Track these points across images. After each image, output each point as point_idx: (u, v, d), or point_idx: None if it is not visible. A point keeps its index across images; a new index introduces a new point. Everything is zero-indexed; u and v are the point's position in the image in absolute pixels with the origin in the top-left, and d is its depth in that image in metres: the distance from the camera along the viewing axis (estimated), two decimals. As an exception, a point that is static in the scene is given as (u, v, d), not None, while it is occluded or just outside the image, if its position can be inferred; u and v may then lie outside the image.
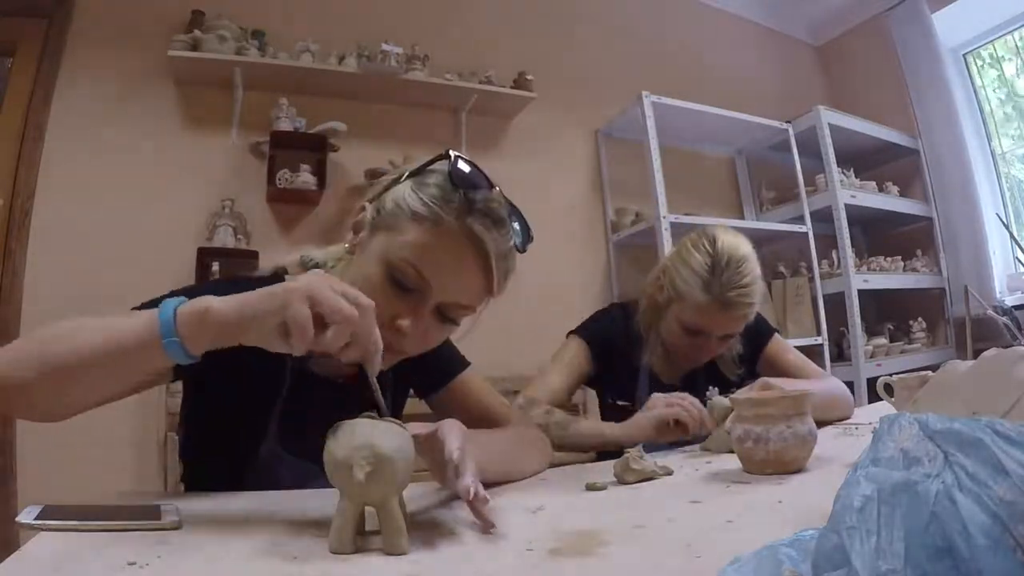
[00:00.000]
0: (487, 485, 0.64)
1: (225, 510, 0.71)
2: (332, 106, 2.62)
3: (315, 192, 2.51)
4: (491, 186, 0.76)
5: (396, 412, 1.00)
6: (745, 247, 1.25)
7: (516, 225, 0.78)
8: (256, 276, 0.92)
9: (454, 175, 0.74)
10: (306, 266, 0.91)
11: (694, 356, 1.29)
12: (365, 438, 0.55)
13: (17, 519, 0.61)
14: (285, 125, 2.49)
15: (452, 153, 0.75)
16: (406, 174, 0.78)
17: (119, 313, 0.65)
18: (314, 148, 2.54)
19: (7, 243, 2.16)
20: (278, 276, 0.90)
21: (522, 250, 0.79)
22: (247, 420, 0.81)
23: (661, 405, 1.11)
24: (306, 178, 2.47)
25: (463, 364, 1.03)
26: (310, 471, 0.74)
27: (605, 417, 1.38)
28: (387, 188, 0.79)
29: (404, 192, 0.76)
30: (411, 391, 1.04)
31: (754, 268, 1.23)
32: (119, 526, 0.62)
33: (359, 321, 0.58)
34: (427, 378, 1.01)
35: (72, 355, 0.60)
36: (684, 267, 1.24)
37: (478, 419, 0.98)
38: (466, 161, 0.75)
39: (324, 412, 0.67)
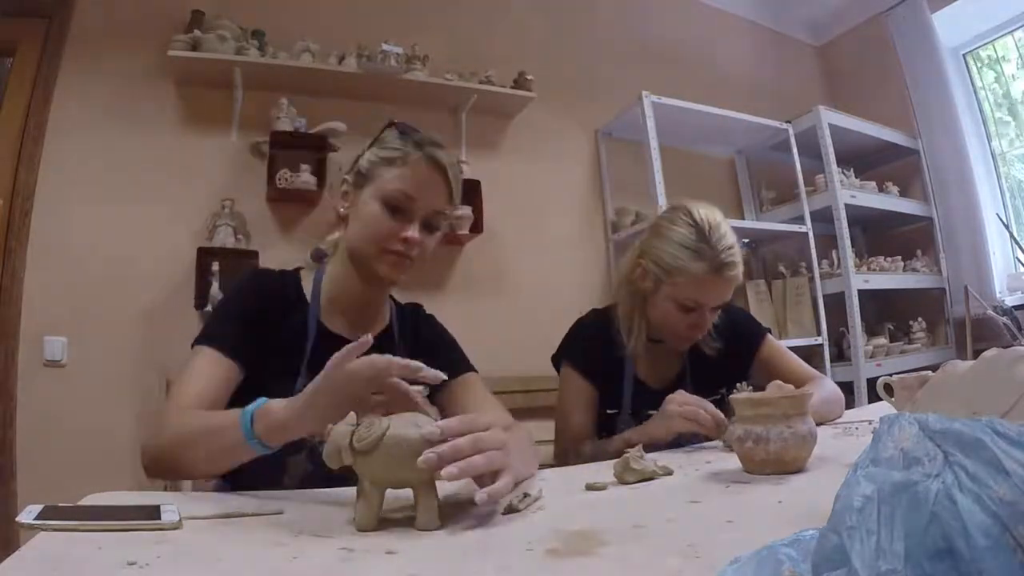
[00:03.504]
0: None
1: (225, 510, 0.72)
2: (332, 106, 2.62)
3: (315, 192, 2.51)
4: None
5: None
6: (718, 212, 1.28)
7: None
8: (279, 271, 1.12)
9: (401, 128, 1.05)
10: (317, 257, 1.16)
11: (689, 334, 1.28)
12: (423, 431, 0.64)
13: (17, 519, 0.61)
14: (285, 125, 2.48)
15: (392, 119, 1.08)
16: (367, 147, 1.06)
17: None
18: (314, 148, 2.54)
19: (7, 243, 2.16)
20: (295, 273, 1.11)
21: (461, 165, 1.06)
22: (282, 373, 0.97)
23: (676, 414, 1.09)
24: (306, 178, 2.47)
25: (469, 367, 1.17)
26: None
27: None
28: (356, 162, 1.06)
29: (371, 154, 1.04)
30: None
31: (730, 228, 1.26)
32: (119, 526, 0.62)
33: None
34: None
35: (200, 458, 0.81)
36: (670, 244, 1.25)
37: None
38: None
39: None
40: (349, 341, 0.99)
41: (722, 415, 1.08)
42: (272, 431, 0.74)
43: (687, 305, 1.24)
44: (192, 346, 0.98)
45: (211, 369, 0.93)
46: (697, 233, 1.22)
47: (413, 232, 0.99)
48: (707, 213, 1.26)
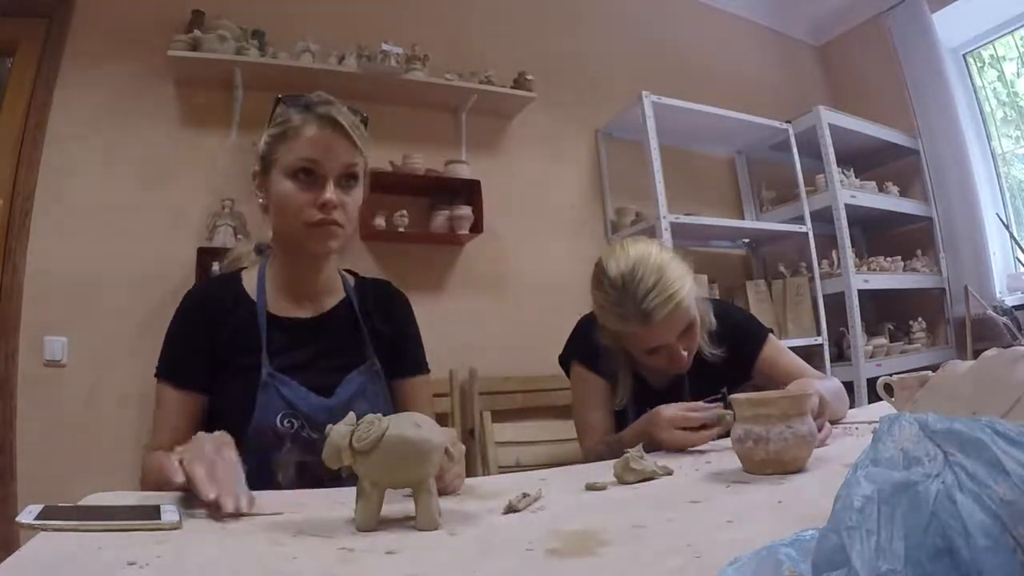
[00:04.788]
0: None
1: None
2: (332, 106, 2.62)
3: (315, 192, 2.51)
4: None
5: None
6: (634, 250, 1.22)
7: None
8: (217, 276, 1.15)
9: (287, 101, 1.04)
10: (259, 251, 1.19)
11: (672, 366, 1.27)
12: (422, 431, 0.66)
13: (17, 519, 0.61)
14: (285, 125, 2.49)
15: (279, 96, 1.06)
16: (264, 131, 1.06)
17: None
18: (314, 148, 2.54)
19: (7, 243, 2.16)
20: (235, 274, 1.13)
21: (364, 123, 1.06)
22: (245, 370, 1.01)
23: (665, 432, 1.10)
24: (306, 178, 2.47)
25: (424, 369, 1.21)
26: (299, 390, 1.01)
27: None
28: (256, 152, 1.07)
29: (264, 137, 1.05)
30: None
31: (650, 264, 1.19)
32: (119, 526, 0.62)
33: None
34: (396, 365, 1.16)
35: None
36: (599, 309, 1.26)
37: None
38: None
39: (298, 345, 1.05)
40: (300, 322, 1.08)
41: (708, 414, 1.09)
42: None
43: (649, 348, 1.24)
44: (155, 374, 1.04)
45: (171, 407, 1.02)
46: (614, 292, 1.19)
47: (329, 194, 0.99)
48: (620, 261, 1.20)
